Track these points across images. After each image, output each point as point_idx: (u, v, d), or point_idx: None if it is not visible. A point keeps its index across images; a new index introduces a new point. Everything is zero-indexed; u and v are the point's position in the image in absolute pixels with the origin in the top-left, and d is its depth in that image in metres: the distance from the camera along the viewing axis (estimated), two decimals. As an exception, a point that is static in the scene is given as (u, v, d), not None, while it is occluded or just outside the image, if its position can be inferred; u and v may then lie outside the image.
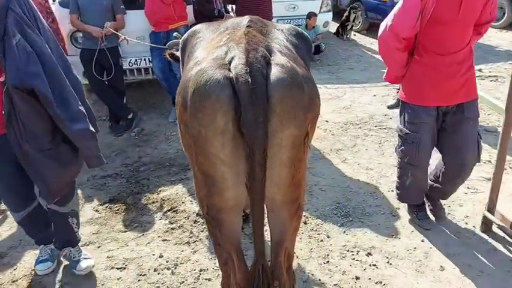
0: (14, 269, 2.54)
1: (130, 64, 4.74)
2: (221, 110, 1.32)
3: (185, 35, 1.83)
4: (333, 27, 8.53)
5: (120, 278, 2.43)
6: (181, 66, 1.83)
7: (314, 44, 6.14)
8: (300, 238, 2.64)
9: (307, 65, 1.76)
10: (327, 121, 4.47)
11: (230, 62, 1.35)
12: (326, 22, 7.65)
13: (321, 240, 2.63)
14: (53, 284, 2.41)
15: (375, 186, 3.24)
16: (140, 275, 2.45)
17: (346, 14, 8.46)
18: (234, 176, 1.43)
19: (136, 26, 4.54)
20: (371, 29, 8.84)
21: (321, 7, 7.46)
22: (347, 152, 3.85)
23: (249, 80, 1.29)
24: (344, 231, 2.71)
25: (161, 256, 2.60)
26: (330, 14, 7.77)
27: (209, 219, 1.61)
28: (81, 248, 2.66)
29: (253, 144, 1.30)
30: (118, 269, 2.51)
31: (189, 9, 4.81)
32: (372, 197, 3.10)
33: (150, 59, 4.66)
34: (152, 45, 4.34)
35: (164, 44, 4.27)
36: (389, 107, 4.83)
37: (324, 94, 5.26)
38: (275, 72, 1.36)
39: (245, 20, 1.60)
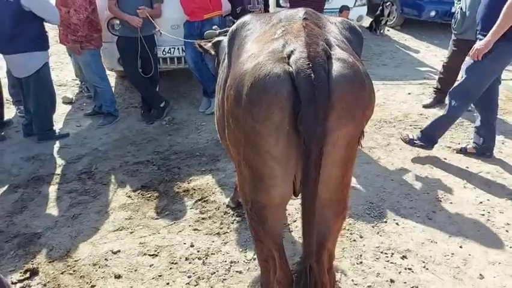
0: (50, 250, 2.61)
1: (164, 53, 4.76)
2: (279, 106, 1.29)
3: (233, 26, 1.79)
4: (367, 21, 8.32)
5: (152, 264, 2.46)
6: (226, 59, 1.79)
7: None
8: (333, 236, 2.60)
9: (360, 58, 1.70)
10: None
11: (289, 56, 1.31)
12: (360, 16, 7.45)
13: (354, 240, 2.58)
14: (88, 266, 2.47)
15: (409, 188, 3.15)
16: (172, 263, 2.47)
17: (380, 8, 8.23)
18: (283, 173, 1.40)
19: (171, 14, 4.55)
20: (405, 25, 8.59)
21: (356, 0, 7.28)
22: (380, 150, 3.76)
23: (312, 75, 1.24)
24: (378, 232, 2.65)
25: (192, 245, 2.62)
26: (365, 8, 7.57)
27: (252, 215, 1.59)
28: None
29: (310, 142, 1.26)
30: (150, 255, 2.54)
31: (224, -2, 4.78)
32: (407, 198, 3.02)
33: (183, 48, 4.66)
34: (187, 40, 4.32)
35: (199, 34, 4.29)
36: (425, 106, 4.68)
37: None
38: (337, 68, 1.31)
39: (300, 12, 1.54)
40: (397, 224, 2.73)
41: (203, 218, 2.89)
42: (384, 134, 4.08)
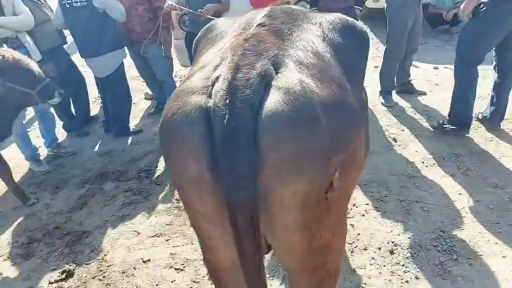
0: (92, 251, 2.68)
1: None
2: (191, 155, 0.97)
3: (200, 32, 1.48)
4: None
5: (174, 280, 2.33)
6: None
7: (452, 11, 5.05)
8: (380, 272, 2.12)
9: (357, 71, 1.26)
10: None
11: (214, 84, 0.97)
12: None
13: (406, 281, 2.06)
14: (117, 273, 2.45)
15: (500, 214, 2.42)
16: (194, 281, 2.30)
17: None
18: (222, 234, 1.08)
19: (238, 6, 4.34)
20: None
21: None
22: (471, 159, 3.00)
23: (227, 115, 0.89)
24: (441, 274, 2.07)
25: (220, 263, 2.41)
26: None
27: (209, 275, 1.33)
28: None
29: (234, 209, 0.93)
30: (176, 269, 2.41)
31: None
32: (493, 228, 2.32)
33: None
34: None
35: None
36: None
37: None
38: (271, 102, 0.92)
39: (261, 13, 1.17)
40: (470, 264, 2.10)
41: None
42: (481, 136, 3.28)
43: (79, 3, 3.66)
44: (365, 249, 2.31)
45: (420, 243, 2.29)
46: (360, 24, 1.36)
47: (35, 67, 2.87)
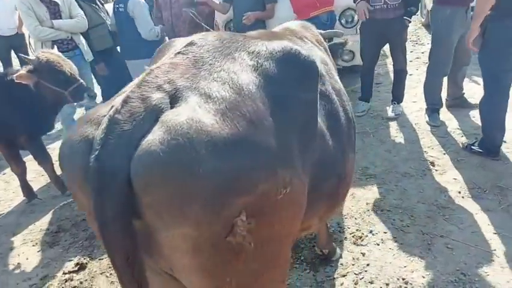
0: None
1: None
2: (76, 184, 0.96)
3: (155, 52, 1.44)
4: None
5: None
6: None
7: None
8: (379, 312, 1.93)
9: (298, 104, 1.13)
10: (504, 141, 3.18)
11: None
12: None
13: (407, 327, 1.85)
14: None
15: (540, 263, 2.08)
16: None
17: None
18: None
19: (282, 14, 4.28)
20: None
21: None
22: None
23: (97, 151, 0.85)
24: (450, 324, 1.83)
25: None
26: None
27: None
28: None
29: (109, 248, 0.90)
30: (176, 276, 2.43)
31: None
32: (526, 280, 2.00)
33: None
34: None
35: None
36: None
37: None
38: (147, 141, 0.85)
39: (187, 40, 1.11)
40: (487, 319, 1.82)
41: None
42: (537, 169, 2.85)
43: (120, 9, 3.88)
44: (371, 282, 2.12)
45: (435, 284, 2.04)
46: (306, 53, 1.23)
47: (68, 69, 3.05)
